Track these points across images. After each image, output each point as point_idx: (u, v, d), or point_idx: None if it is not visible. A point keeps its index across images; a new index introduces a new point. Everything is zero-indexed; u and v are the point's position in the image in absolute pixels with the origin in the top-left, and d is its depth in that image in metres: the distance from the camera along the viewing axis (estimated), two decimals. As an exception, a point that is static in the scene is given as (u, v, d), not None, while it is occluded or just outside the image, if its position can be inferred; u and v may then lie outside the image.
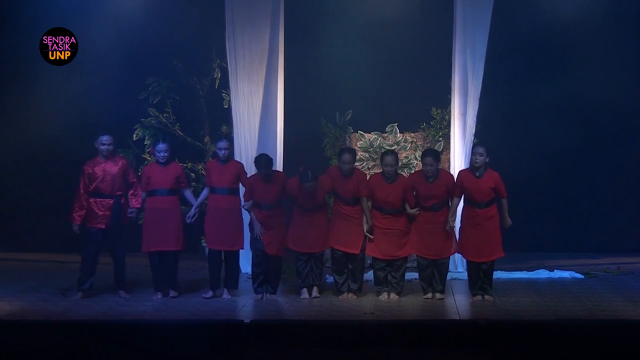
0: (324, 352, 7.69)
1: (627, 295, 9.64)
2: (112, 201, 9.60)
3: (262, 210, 9.59)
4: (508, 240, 9.85)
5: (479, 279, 9.55)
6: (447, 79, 10.98)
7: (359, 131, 11.51)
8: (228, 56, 11.04)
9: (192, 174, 12.13)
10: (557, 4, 11.59)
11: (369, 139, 11.42)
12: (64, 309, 9.18)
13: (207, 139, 12.20)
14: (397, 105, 11.77)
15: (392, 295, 9.66)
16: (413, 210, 9.60)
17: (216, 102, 12.12)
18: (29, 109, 12.25)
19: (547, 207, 12.42)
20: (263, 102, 11.00)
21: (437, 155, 9.70)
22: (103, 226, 9.59)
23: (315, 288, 9.75)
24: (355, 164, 9.95)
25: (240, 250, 9.85)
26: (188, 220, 9.74)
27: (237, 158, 11.02)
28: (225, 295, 9.69)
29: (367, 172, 10.68)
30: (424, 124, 11.46)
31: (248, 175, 9.82)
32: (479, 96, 10.83)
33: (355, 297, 9.70)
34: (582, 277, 10.70)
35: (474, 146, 9.95)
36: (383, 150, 11.33)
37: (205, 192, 9.83)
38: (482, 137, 10.90)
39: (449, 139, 11.03)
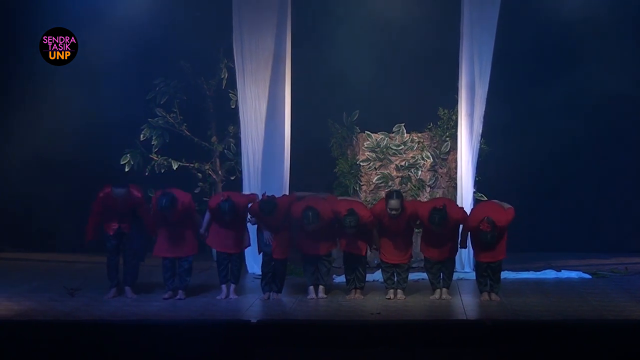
0: (331, 352, 7.71)
1: (634, 296, 9.61)
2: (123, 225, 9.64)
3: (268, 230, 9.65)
4: (515, 240, 9.84)
5: (486, 278, 9.56)
6: (454, 80, 10.98)
7: (366, 131, 11.53)
8: (235, 57, 11.05)
9: (199, 174, 12.16)
10: (563, 5, 11.56)
11: (376, 139, 11.43)
12: (73, 309, 9.21)
13: (214, 139, 12.22)
14: (404, 105, 11.76)
15: (399, 293, 9.69)
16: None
17: (223, 103, 12.14)
18: (37, 110, 12.28)
19: (554, 208, 12.40)
20: (270, 102, 11.01)
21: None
22: (111, 232, 9.63)
23: (321, 288, 9.77)
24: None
25: (248, 252, 9.87)
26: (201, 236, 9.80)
27: (243, 159, 11.09)
28: (232, 295, 9.73)
29: (373, 173, 10.69)
30: (431, 124, 11.47)
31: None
32: (486, 97, 10.83)
33: (362, 297, 9.72)
34: (590, 277, 10.68)
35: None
36: (390, 150, 11.37)
37: (207, 216, 9.73)
38: (489, 138, 10.90)
39: (456, 139, 11.03)
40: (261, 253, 9.81)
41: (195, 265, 9.97)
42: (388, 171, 11.48)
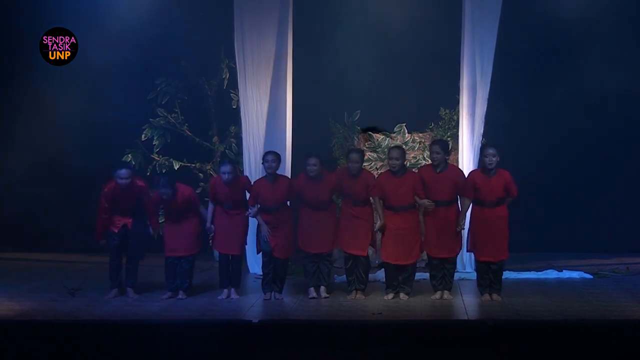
0: (332, 352, 7.71)
1: (636, 296, 9.60)
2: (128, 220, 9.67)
3: (268, 213, 9.61)
4: (517, 240, 9.83)
5: (488, 278, 9.54)
6: (455, 80, 10.98)
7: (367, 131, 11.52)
8: (237, 58, 11.05)
9: (200, 174, 12.16)
10: (564, 4, 11.56)
11: (377, 139, 11.42)
12: (73, 309, 9.21)
13: (215, 139, 12.22)
14: (405, 105, 11.75)
15: (402, 295, 9.67)
16: (424, 201, 9.56)
17: (224, 102, 12.15)
18: (38, 110, 12.28)
19: (556, 207, 12.39)
20: (271, 102, 11.01)
21: (445, 144, 9.67)
22: (116, 230, 9.63)
23: (322, 288, 9.76)
24: (364, 164, 9.96)
25: (249, 252, 9.87)
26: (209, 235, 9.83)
27: (245, 158, 11.07)
28: (234, 295, 9.72)
29: (375, 172, 10.67)
30: (433, 124, 11.46)
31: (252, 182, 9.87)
32: (487, 96, 10.83)
33: (364, 297, 9.70)
34: (591, 277, 10.67)
35: (484, 147, 9.82)
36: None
37: (211, 207, 9.78)
38: (490, 138, 10.89)
39: (457, 139, 11.02)
40: (260, 253, 9.81)
41: (196, 265, 9.95)
42: (389, 171, 11.46)
